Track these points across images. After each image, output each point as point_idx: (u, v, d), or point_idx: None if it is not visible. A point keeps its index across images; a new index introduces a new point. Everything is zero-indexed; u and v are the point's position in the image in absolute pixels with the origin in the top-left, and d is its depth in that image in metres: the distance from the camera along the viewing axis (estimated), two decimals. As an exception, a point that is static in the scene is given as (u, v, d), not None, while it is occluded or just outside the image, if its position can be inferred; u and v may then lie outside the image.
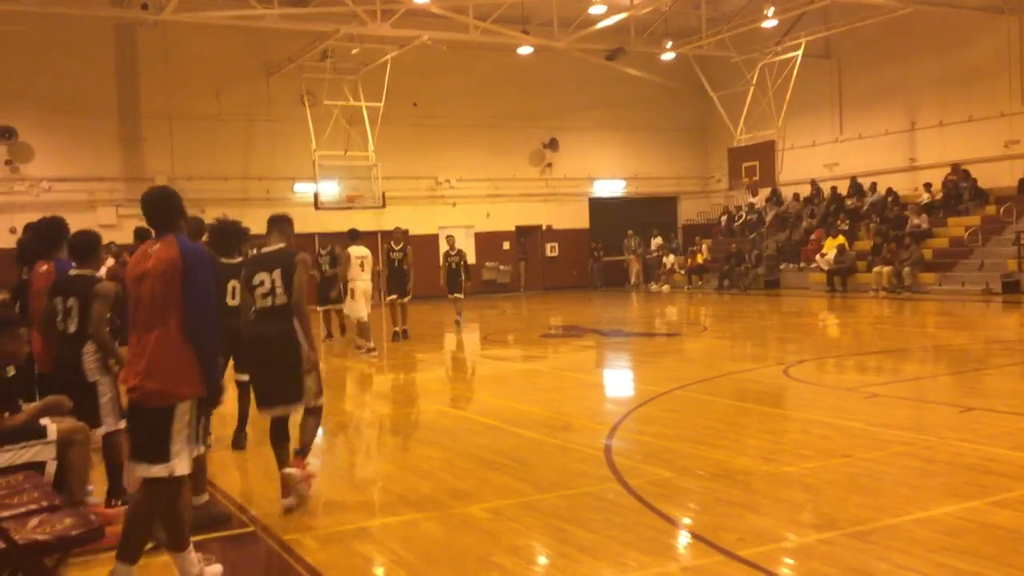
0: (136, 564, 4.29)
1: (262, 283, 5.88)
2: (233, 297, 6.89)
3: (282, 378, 5.78)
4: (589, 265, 30.59)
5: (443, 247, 18.34)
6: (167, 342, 4.16)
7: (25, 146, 23.31)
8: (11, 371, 5.47)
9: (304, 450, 6.00)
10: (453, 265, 18.09)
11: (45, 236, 6.39)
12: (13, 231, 21.73)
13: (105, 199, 23.93)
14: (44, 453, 5.16)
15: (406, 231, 16.68)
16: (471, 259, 29.22)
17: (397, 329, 16.02)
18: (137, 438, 4.27)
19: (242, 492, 6.43)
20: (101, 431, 5.73)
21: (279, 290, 5.84)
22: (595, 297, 27.01)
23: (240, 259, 7.11)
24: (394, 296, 15.88)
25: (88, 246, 5.96)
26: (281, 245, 6.07)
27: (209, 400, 4.31)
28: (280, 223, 6.17)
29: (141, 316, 4.24)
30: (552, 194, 30.48)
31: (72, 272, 5.88)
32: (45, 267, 6.24)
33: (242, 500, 6.18)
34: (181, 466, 4.22)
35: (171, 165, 24.68)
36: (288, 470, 5.76)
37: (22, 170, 23.32)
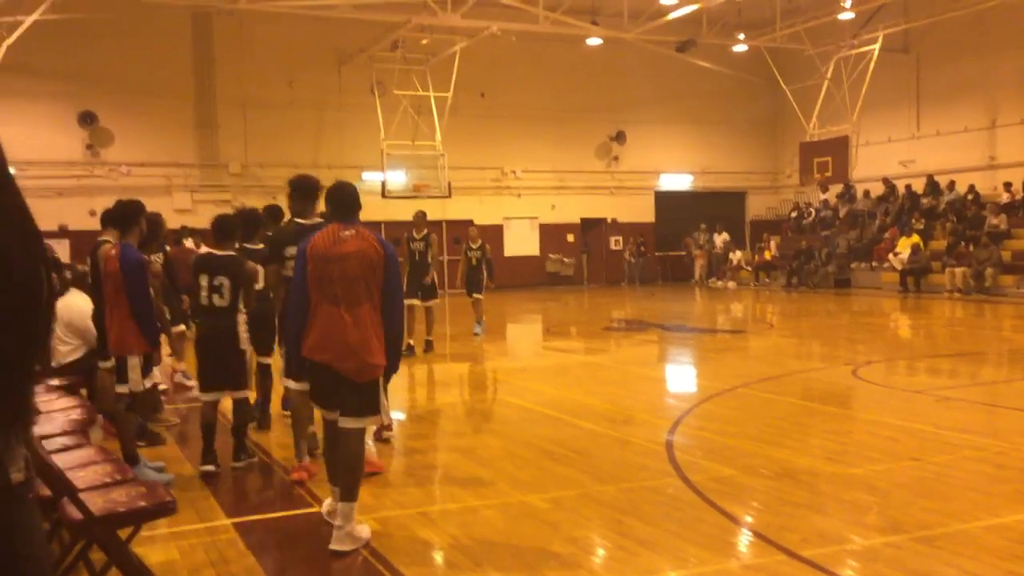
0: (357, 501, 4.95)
1: None
2: (258, 281, 7.11)
3: None
4: (625, 260, 29.97)
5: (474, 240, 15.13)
6: (373, 317, 4.89)
7: (105, 131, 24.04)
8: None
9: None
10: (474, 261, 15.04)
11: (119, 218, 6.54)
12: (93, 214, 22.43)
13: (181, 184, 24.55)
14: None
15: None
16: (534, 250, 29.37)
17: (411, 341, 12.40)
18: (350, 400, 4.91)
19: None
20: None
21: None
22: (657, 292, 26.77)
23: (261, 245, 7.27)
24: (415, 300, 12.48)
25: (229, 228, 6.86)
26: None
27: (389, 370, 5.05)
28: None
29: (342, 293, 4.86)
30: (618, 187, 30.32)
31: (218, 252, 6.74)
32: (115, 251, 6.37)
33: (306, 480, 6.30)
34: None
35: (244, 151, 25.23)
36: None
37: (102, 154, 24.06)
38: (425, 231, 12.84)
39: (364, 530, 4.94)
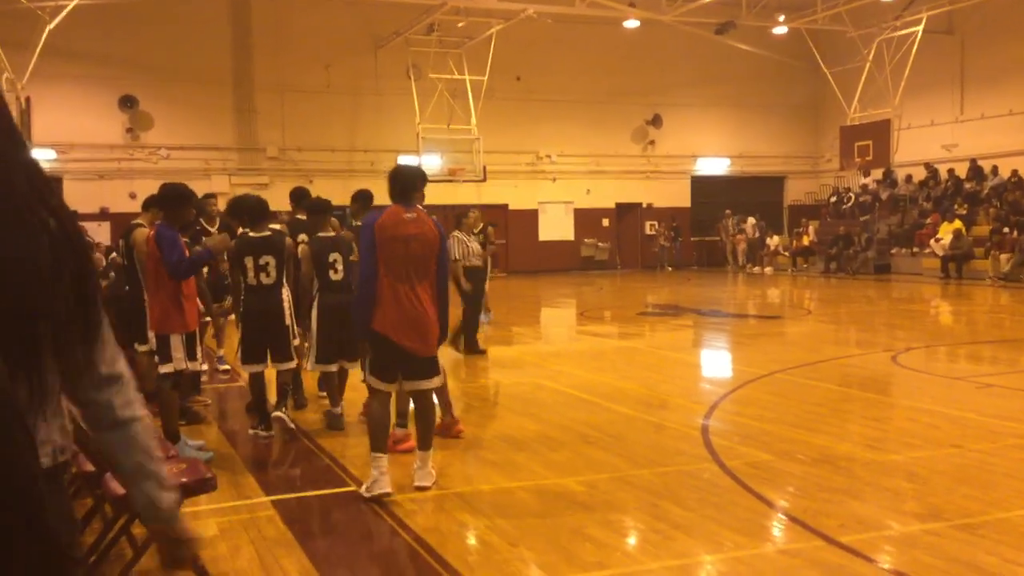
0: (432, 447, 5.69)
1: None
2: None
3: None
4: (658, 244, 29.70)
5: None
6: (431, 292, 5.45)
7: (145, 115, 24.31)
8: None
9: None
10: None
11: (160, 199, 6.55)
12: (133, 196, 22.75)
13: (219, 168, 24.78)
14: None
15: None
16: (569, 235, 29.25)
17: None
18: (416, 367, 5.46)
19: (342, 452, 6.62)
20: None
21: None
22: (692, 277, 26.62)
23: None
24: None
25: (260, 210, 7.10)
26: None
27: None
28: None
29: (408, 271, 5.35)
30: (654, 171, 30.10)
31: (254, 233, 6.93)
32: (152, 231, 6.41)
33: (344, 460, 6.36)
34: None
35: (282, 136, 25.40)
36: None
37: (142, 138, 24.34)
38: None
39: (433, 472, 5.64)
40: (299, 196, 8.49)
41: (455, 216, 11.71)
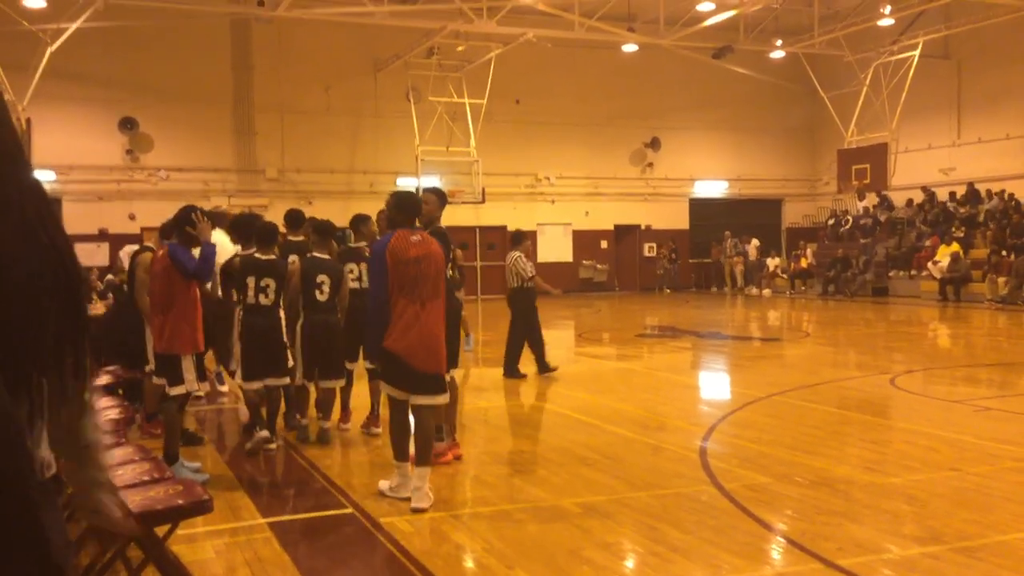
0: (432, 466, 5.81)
1: (352, 271, 7.75)
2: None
3: None
4: (660, 266, 29.74)
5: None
6: (441, 311, 5.67)
7: (145, 136, 24.40)
8: None
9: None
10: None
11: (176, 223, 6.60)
12: (132, 218, 22.80)
13: (219, 189, 24.82)
14: None
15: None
16: (567, 257, 29.29)
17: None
18: (422, 382, 5.63)
19: (340, 474, 6.60)
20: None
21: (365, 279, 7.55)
22: (691, 300, 26.62)
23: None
24: None
25: (272, 234, 7.33)
26: (363, 243, 7.80)
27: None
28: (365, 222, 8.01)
29: (420, 291, 5.56)
30: (652, 194, 30.20)
31: (262, 256, 7.17)
32: (162, 251, 6.48)
33: (340, 482, 6.35)
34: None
35: (281, 157, 25.48)
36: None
37: (142, 160, 24.41)
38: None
39: (430, 494, 5.65)
40: (293, 218, 8.52)
41: (511, 237, 11.77)
